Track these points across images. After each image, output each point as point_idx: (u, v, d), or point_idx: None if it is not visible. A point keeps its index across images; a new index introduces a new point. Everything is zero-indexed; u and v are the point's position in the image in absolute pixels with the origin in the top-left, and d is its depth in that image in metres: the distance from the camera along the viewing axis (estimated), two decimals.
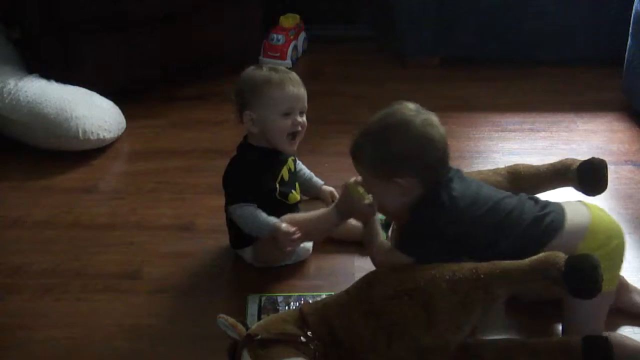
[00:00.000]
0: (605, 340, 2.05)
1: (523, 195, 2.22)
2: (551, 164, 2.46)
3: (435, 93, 3.67)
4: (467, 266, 2.01)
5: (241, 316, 2.23)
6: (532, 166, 2.48)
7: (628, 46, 3.41)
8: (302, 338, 1.99)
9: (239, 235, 2.50)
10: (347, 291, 2.12)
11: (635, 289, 2.32)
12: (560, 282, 1.95)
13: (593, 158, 2.39)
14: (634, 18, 3.34)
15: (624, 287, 2.30)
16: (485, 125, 3.40)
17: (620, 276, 2.29)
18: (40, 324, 2.30)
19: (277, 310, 2.27)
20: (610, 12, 3.71)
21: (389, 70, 3.97)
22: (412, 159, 2.07)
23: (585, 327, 2.11)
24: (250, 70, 2.55)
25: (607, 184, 2.39)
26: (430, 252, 2.09)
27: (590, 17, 3.78)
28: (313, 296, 2.32)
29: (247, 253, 2.53)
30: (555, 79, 3.79)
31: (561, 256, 1.96)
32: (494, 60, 3.92)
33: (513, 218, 2.11)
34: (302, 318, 2.05)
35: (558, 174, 2.42)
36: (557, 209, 2.16)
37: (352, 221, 2.42)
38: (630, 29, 3.37)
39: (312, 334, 2.02)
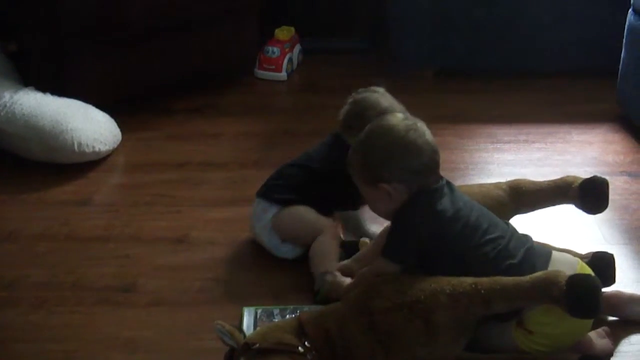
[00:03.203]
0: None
1: (514, 232, 2.18)
2: (553, 181, 2.45)
3: (429, 105, 3.66)
4: (468, 281, 2.00)
5: (237, 328, 2.22)
6: (533, 182, 2.48)
7: (622, 57, 3.42)
8: (299, 348, 1.99)
9: (283, 192, 2.57)
10: (345, 302, 2.11)
11: (632, 299, 2.32)
12: (560, 302, 1.94)
13: (595, 176, 2.39)
14: (627, 29, 3.36)
15: (622, 300, 2.30)
16: (480, 137, 3.41)
17: (618, 293, 2.29)
18: (35, 337, 2.29)
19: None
20: (604, 23, 3.72)
21: (384, 81, 3.96)
22: (393, 164, 2.09)
23: (498, 348, 2.11)
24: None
25: (608, 203, 2.38)
26: (407, 255, 2.10)
27: (585, 28, 3.80)
28: (309, 308, 2.31)
29: (269, 213, 2.57)
30: (549, 90, 3.80)
31: (562, 275, 1.95)
32: (488, 72, 3.93)
33: (484, 252, 2.08)
34: (300, 327, 2.04)
35: (560, 191, 2.42)
36: (540, 265, 2.10)
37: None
38: (624, 40, 3.39)
39: (309, 343, 2.01)
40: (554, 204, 2.46)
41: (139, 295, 2.47)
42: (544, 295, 1.96)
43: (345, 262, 2.40)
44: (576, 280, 1.94)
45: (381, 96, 2.56)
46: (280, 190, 2.60)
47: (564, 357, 2.12)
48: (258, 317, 2.30)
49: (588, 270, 2.12)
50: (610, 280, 2.31)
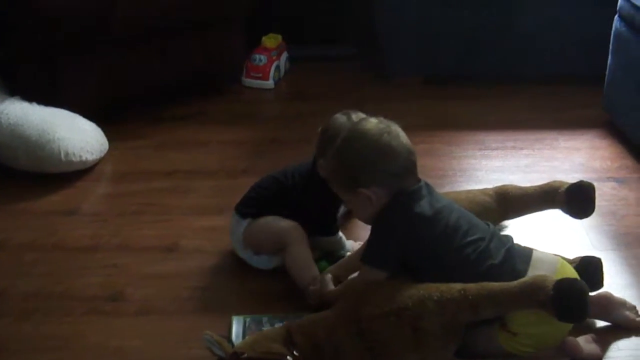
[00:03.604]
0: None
1: (495, 233, 2.19)
2: (539, 186, 2.47)
3: (418, 112, 3.68)
4: (456, 287, 2.01)
5: (226, 338, 2.22)
6: (520, 187, 2.49)
7: (608, 64, 3.43)
8: (288, 357, 1.99)
9: (253, 205, 2.56)
10: (333, 310, 2.11)
11: (621, 303, 2.32)
12: (547, 306, 1.95)
13: (581, 181, 2.41)
14: (613, 35, 3.37)
15: (612, 304, 2.30)
16: (468, 144, 3.41)
17: (607, 294, 2.30)
18: (23, 348, 2.28)
19: (261, 332, 2.26)
20: (591, 30, 3.73)
21: (372, 89, 3.97)
22: (370, 168, 2.11)
23: (486, 353, 2.11)
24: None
25: (594, 207, 2.40)
26: (387, 259, 2.11)
27: (572, 35, 3.81)
28: (298, 317, 2.30)
29: (241, 227, 2.56)
30: (537, 96, 3.81)
31: (549, 279, 1.97)
32: (476, 79, 3.93)
33: (465, 254, 2.10)
34: (289, 336, 2.04)
35: (546, 197, 2.43)
36: (520, 265, 2.12)
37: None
38: (611, 46, 3.40)
39: (298, 352, 2.01)
40: (540, 209, 2.47)
41: (127, 304, 2.46)
42: (531, 300, 1.97)
43: (330, 268, 2.40)
44: (563, 284, 1.96)
45: (347, 120, 2.46)
46: (252, 203, 2.59)
47: None
48: (247, 325, 2.29)
49: (569, 269, 2.14)
50: (599, 284, 2.31)
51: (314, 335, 2.04)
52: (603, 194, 2.98)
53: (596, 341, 2.20)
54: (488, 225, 2.21)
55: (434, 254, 2.10)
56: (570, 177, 3.04)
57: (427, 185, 2.19)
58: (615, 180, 3.10)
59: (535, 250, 2.18)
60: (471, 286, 2.01)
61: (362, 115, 2.41)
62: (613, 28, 3.37)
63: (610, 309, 2.29)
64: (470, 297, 1.99)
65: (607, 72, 3.44)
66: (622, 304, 2.31)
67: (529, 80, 3.89)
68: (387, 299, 2.03)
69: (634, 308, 2.32)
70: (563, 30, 3.81)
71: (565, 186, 2.42)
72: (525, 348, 2.08)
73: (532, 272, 2.08)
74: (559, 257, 2.18)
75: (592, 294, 2.11)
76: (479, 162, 3.25)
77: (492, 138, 3.45)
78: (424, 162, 3.20)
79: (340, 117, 2.48)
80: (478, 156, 3.31)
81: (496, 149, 3.36)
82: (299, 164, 2.64)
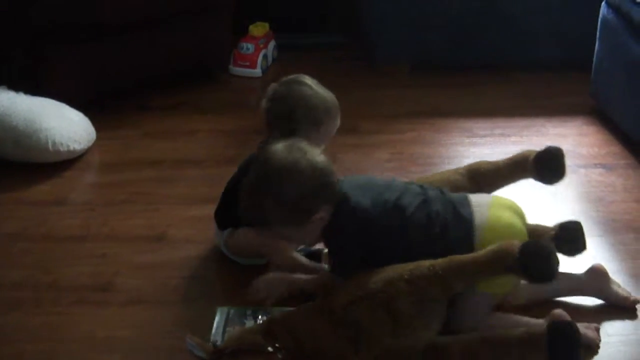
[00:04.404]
0: (570, 325, 2.07)
1: (427, 189, 2.25)
2: (510, 158, 2.51)
3: (405, 99, 3.68)
4: (424, 264, 2.04)
5: (211, 328, 2.23)
6: (491, 162, 2.55)
7: (595, 50, 3.44)
8: (269, 349, 2.00)
9: (226, 215, 2.51)
10: (311, 303, 2.14)
11: (614, 281, 2.36)
12: (516, 270, 1.99)
13: (550, 146, 2.44)
14: (600, 22, 3.38)
15: (605, 275, 2.35)
16: (456, 131, 3.42)
17: (601, 267, 2.32)
18: (12, 338, 2.28)
19: (243, 324, 2.26)
20: (578, 17, 3.74)
21: (360, 77, 3.97)
22: (318, 190, 2.11)
23: (468, 324, 2.16)
24: (302, 91, 2.45)
25: (565, 172, 2.44)
26: (355, 259, 2.15)
27: (559, 22, 3.82)
28: (281, 309, 2.29)
29: (223, 236, 2.53)
30: (524, 84, 3.82)
31: (515, 244, 2.00)
32: (464, 67, 3.94)
33: (417, 220, 2.16)
34: (269, 330, 2.06)
35: (517, 167, 2.48)
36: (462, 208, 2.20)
37: None
38: (598, 33, 3.40)
39: (279, 344, 2.03)
40: (513, 181, 2.51)
41: (116, 294, 2.46)
42: (499, 267, 2.01)
43: (304, 281, 2.38)
44: (529, 247, 1.99)
45: (307, 88, 2.45)
46: (225, 214, 2.54)
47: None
48: (230, 316, 2.29)
49: (504, 203, 2.22)
50: (580, 249, 2.32)
51: (293, 329, 2.07)
52: (591, 180, 2.99)
53: (597, 331, 2.22)
54: (420, 186, 2.26)
55: (391, 229, 2.14)
56: None
57: (341, 179, 2.22)
58: (603, 166, 3.10)
59: (467, 194, 2.26)
60: (439, 261, 2.04)
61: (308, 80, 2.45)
62: (600, 15, 3.37)
63: (605, 280, 2.32)
64: (440, 271, 2.02)
65: (594, 59, 3.45)
66: (615, 281, 2.34)
67: (516, 67, 3.90)
68: (358, 286, 2.06)
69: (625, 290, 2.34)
70: (552, 17, 3.82)
71: (534, 154, 2.45)
72: (496, 288, 2.15)
73: (478, 213, 2.16)
74: (493, 195, 2.29)
75: (585, 268, 2.24)
76: (467, 150, 3.25)
77: (480, 125, 3.45)
78: (412, 150, 3.23)
79: (294, 88, 2.45)
80: (466, 143, 3.31)
81: (484, 136, 3.37)
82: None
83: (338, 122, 2.48)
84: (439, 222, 2.15)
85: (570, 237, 2.29)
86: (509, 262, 1.98)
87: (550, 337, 2.03)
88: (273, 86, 2.51)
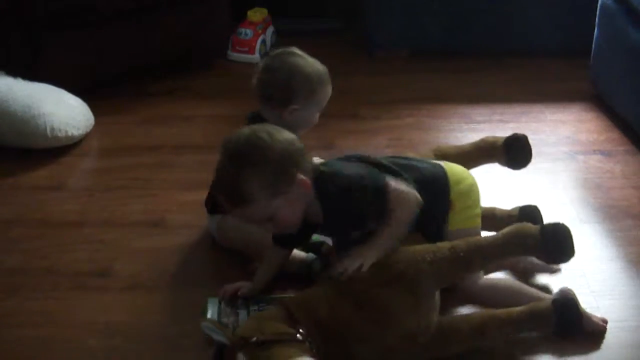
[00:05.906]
0: (573, 300, 2.15)
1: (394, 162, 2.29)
2: (474, 143, 2.61)
3: (404, 85, 3.68)
4: (445, 246, 2.10)
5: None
6: (456, 146, 2.65)
7: (594, 36, 3.43)
8: (298, 335, 1.93)
9: (216, 200, 2.45)
10: (326, 286, 2.08)
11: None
12: (537, 250, 2.11)
13: (516, 133, 2.55)
14: (599, 8, 3.37)
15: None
16: (454, 117, 3.41)
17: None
18: (10, 324, 2.29)
19: (236, 314, 2.23)
20: (577, 3, 3.73)
21: (358, 62, 3.96)
22: (292, 153, 2.08)
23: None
24: (295, 61, 2.46)
25: (531, 157, 2.55)
26: (352, 224, 2.14)
27: (558, 8, 3.80)
28: (272, 299, 2.27)
29: (214, 222, 2.53)
30: (523, 70, 3.81)
31: (532, 227, 2.11)
32: (462, 52, 3.93)
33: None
34: (290, 315, 2.00)
35: (481, 152, 2.58)
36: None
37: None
38: (597, 19, 3.40)
39: (303, 330, 1.96)
40: (477, 165, 2.57)
41: (114, 279, 2.46)
42: (519, 248, 2.13)
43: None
44: (548, 229, 2.11)
45: (299, 58, 2.46)
46: (213, 196, 2.51)
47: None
48: (222, 308, 2.26)
49: (456, 170, 2.31)
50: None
51: (313, 311, 2.00)
52: (589, 166, 2.99)
53: (605, 323, 2.22)
54: (384, 159, 2.29)
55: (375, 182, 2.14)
56: (557, 150, 3.07)
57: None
58: (602, 153, 3.10)
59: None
60: (458, 243, 2.10)
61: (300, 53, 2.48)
62: (599, 0, 3.36)
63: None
64: (461, 253, 2.07)
65: (593, 45, 3.44)
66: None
67: (515, 53, 3.89)
68: (381, 267, 2.04)
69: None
70: (549, 3, 3.81)
71: (501, 140, 2.54)
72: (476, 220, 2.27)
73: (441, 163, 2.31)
74: (444, 162, 2.36)
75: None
76: (465, 136, 3.24)
77: (478, 111, 3.45)
78: (410, 136, 3.23)
79: (288, 58, 2.46)
80: (464, 129, 3.31)
81: (482, 122, 3.36)
82: None
83: (330, 91, 2.49)
84: (412, 165, 2.26)
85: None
86: (529, 242, 2.09)
87: (557, 313, 2.11)
88: (264, 59, 2.53)
